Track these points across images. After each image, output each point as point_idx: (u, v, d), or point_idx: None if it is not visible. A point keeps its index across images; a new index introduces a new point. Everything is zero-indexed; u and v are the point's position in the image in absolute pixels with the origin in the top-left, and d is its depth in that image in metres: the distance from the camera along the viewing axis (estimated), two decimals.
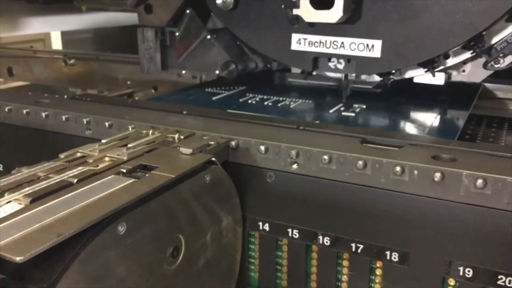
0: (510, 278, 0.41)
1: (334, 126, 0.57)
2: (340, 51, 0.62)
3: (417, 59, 0.60)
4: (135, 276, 0.37)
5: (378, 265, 0.46)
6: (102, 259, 0.34)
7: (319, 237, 0.48)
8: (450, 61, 0.65)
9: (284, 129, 0.54)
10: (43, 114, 0.61)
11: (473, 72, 0.68)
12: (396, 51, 0.60)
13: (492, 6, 0.55)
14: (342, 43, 0.62)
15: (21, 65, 1.16)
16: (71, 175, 0.40)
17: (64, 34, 1.51)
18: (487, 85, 0.83)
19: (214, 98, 0.76)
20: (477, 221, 0.41)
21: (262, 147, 0.48)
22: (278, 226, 0.49)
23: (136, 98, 0.95)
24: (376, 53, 0.60)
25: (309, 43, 0.64)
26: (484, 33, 0.57)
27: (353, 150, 0.46)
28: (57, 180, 0.39)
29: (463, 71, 0.68)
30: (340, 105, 0.71)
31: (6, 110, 0.63)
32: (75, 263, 0.31)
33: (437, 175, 0.42)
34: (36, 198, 0.36)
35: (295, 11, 0.61)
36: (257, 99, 0.74)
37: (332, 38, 0.63)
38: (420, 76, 0.66)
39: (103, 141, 0.49)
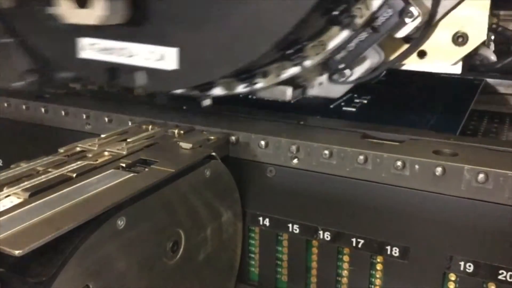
0: (510, 273, 0.41)
1: (334, 121, 0.56)
2: (132, 61, 0.49)
3: (221, 72, 0.48)
4: (135, 271, 0.37)
5: (378, 260, 0.46)
6: (101, 253, 0.33)
7: (319, 232, 0.48)
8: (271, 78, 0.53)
9: (284, 124, 0.53)
10: (43, 109, 0.60)
11: (331, 86, 0.57)
12: (195, 62, 0.48)
13: (294, 5, 0.43)
14: (133, 50, 0.49)
15: None
16: (70, 169, 0.40)
17: None
18: (489, 80, 0.83)
19: None
20: (478, 216, 0.41)
21: (263, 142, 0.48)
22: (278, 221, 0.49)
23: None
24: (172, 64, 0.48)
25: (98, 50, 0.51)
26: (299, 38, 0.48)
27: (353, 144, 0.46)
28: (56, 174, 0.39)
29: (320, 83, 0.57)
30: (341, 100, 0.71)
31: (5, 105, 0.63)
32: (74, 257, 0.31)
33: (438, 170, 0.41)
34: (35, 192, 0.36)
35: (54, 9, 0.48)
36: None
37: (122, 44, 0.50)
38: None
39: (103, 135, 0.49)
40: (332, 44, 0.50)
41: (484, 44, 0.55)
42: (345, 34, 0.50)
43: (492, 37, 0.63)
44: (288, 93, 0.56)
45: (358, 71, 0.53)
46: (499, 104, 0.83)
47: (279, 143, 0.48)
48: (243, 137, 0.49)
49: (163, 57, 0.48)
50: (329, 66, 0.53)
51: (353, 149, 0.45)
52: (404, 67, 0.56)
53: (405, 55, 0.53)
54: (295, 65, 0.50)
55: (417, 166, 0.42)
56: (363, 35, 0.50)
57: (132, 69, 0.50)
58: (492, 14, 0.56)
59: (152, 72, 0.50)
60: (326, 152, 0.46)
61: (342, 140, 0.47)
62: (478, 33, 0.52)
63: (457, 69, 0.55)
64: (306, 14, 0.43)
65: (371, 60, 0.53)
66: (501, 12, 0.72)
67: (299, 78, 0.57)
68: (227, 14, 0.46)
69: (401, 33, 0.51)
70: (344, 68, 0.52)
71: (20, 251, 0.28)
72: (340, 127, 0.52)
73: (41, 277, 0.30)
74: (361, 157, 0.44)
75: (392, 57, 0.54)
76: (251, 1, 0.45)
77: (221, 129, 0.51)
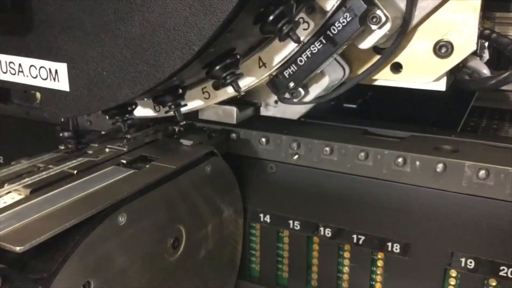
0: (511, 269, 0.41)
1: (335, 117, 0.56)
2: (21, 79, 0.40)
3: (124, 96, 0.36)
4: (136, 267, 0.37)
5: (379, 256, 0.46)
6: (102, 249, 0.33)
7: (320, 228, 0.48)
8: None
9: (285, 120, 0.53)
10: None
11: (288, 106, 0.51)
12: (89, 82, 0.37)
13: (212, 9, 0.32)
14: (20, 65, 0.40)
15: None
16: (71, 166, 0.40)
17: None
18: None
19: None
20: (479, 212, 0.41)
21: (263, 139, 0.48)
22: (279, 217, 0.49)
23: None
24: (63, 84, 0.38)
25: None
26: (236, 50, 0.39)
27: (354, 141, 0.46)
28: (57, 171, 0.39)
29: (276, 102, 0.52)
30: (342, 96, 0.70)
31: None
32: (75, 253, 0.31)
33: (439, 166, 0.41)
34: (36, 189, 0.36)
35: None
36: None
37: (9, 58, 0.40)
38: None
39: (103, 132, 0.49)
40: (277, 59, 0.42)
41: (476, 54, 0.46)
42: (289, 47, 0.41)
43: (486, 44, 0.51)
44: (234, 114, 0.50)
45: (316, 90, 0.45)
46: (499, 100, 0.83)
47: (280, 139, 0.48)
48: (244, 133, 0.49)
49: (54, 75, 0.38)
50: (276, 85, 0.44)
51: (354, 145, 0.45)
52: (376, 83, 0.47)
53: (375, 69, 0.45)
54: (226, 85, 0.39)
55: (418, 163, 0.42)
56: (315, 47, 0.41)
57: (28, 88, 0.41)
58: (485, 17, 0.49)
59: (47, 93, 0.40)
60: (327, 148, 0.46)
61: (343, 136, 0.47)
62: (465, 42, 0.42)
63: (441, 86, 0.46)
64: (225, 20, 0.32)
65: (332, 76, 0.45)
66: (497, 14, 0.59)
67: (250, 96, 0.50)
68: (128, 22, 0.35)
69: (367, 43, 0.42)
70: (295, 87, 0.43)
71: (21, 247, 0.28)
72: (341, 124, 0.52)
73: (42, 273, 0.30)
74: (362, 154, 0.44)
75: (360, 71, 0.46)
76: (157, 8, 0.33)
77: (222, 125, 0.51)
